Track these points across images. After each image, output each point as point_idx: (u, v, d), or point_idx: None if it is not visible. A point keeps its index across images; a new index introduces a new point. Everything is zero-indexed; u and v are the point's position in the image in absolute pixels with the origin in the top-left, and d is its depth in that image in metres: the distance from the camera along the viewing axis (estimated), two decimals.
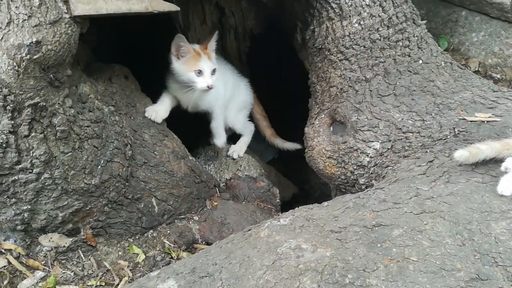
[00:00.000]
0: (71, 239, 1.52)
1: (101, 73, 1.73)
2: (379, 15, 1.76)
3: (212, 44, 1.83)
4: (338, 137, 1.65)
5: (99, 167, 1.51)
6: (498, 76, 2.56)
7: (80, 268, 1.49)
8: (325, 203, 1.30)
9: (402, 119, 1.56)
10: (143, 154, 1.72)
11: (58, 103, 1.36)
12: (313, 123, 1.79)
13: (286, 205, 2.15)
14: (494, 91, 1.62)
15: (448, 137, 1.41)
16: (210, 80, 1.77)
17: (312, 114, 1.85)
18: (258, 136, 2.51)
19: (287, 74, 2.47)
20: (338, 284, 0.91)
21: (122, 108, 1.71)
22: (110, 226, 1.61)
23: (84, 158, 1.46)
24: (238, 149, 2.25)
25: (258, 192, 1.97)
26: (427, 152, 1.40)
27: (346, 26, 1.73)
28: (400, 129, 1.54)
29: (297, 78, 2.23)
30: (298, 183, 2.87)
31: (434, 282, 0.96)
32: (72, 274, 1.46)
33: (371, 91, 1.68)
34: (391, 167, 1.45)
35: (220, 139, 2.14)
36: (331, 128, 1.75)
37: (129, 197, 1.63)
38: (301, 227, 1.08)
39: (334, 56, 1.78)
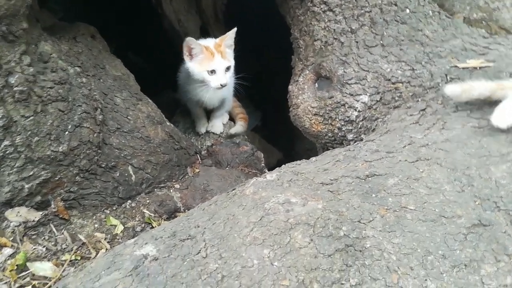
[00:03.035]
0: (41, 213, 1.40)
1: (65, 32, 1.58)
2: None
3: (228, 40, 1.80)
4: (324, 93, 1.56)
5: (67, 132, 1.38)
6: (483, 30, 2.49)
7: (52, 243, 1.38)
8: (313, 158, 1.21)
9: (391, 69, 1.47)
10: (115, 119, 1.59)
11: (14, 61, 1.22)
12: (297, 81, 1.69)
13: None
14: (485, 38, 1.55)
15: (440, 85, 1.33)
16: (224, 78, 1.77)
17: (296, 71, 1.74)
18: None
19: (268, 33, 2.34)
20: (332, 237, 0.83)
21: (90, 69, 1.57)
22: (84, 198, 1.50)
23: (49, 123, 1.33)
24: (219, 124, 2.17)
25: (241, 157, 1.87)
26: (418, 101, 1.32)
27: None
28: (389, 80, 1.45)
29: (279, 36, 2.12)
30: (283, 149, 2.80)
31: (434, 230, 0.89)
32: (44, 249, 1.35)
33: (357, 42, 1.58)
34: (381, 119, 1.37)
35: (220, 127, 2.16)
36: (316, 84, 1.65)
37: (103, 165, 1.52)
38: (289, 181, 0.99)
39: (317, 7, 1.66)
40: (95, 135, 1.47)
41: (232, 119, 2.31)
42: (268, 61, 2.56)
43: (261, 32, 2.34)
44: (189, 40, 1.74)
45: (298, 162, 1.20)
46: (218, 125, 2.15)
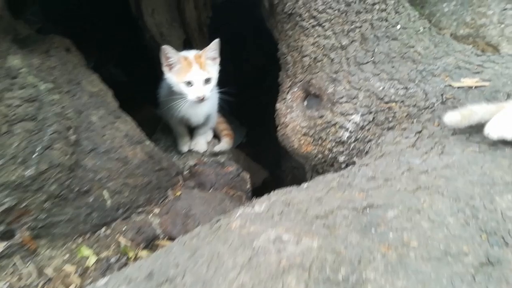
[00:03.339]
0: (4, 244, 1.27)
1: (37, 45, 1.47)
2: None
3: (210, 52, 1.69)
4: (313, 112, 1.48)
5: (35, 155, 1.26)
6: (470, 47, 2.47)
7: (16, 278, 1.25)
8: (305, 185, 1.12)
9: (383, 88, 1.41)
10: (90, 139, 1.48)
11: None
12: (285, 98, 1.61)
13: (257, 191, 1.97)
14: (478, 55, 1.50)
15: (435, 105, 1.27)
16: (201, 91, 1.66)
17: (284, 88, 1.66)
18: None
19: (253, 47, 2.28)
20: (330, 281, 0.74)
21: (63, 85, 1.45)
22: (53, 226, 1.37)
23: (15, 145, 1.21)
24: (202, 142, 2.06)
25: (226, 178, 1.77)
26: (413, 122, 1.25)
27: None
28: (381, 99, 1.38)
29: (264, 50, 2.05)
30: (268, 167, 2.70)
31: (439, 270, 0.81)
32: (6, 286, 1.22)
33: (348, 59, 1.52)
34: (374, 141, 1.29)
35: (204, 145, 2.05)
36: (305, 102, 1.57)
37: (75, 190, 1.39)
38: (280, 214, 0.90)
39: (306, 22, 1.60)
40: (67, 157, 1.35)
41: (216, 135, 2.21)
42: (254, 76, 2.48)
43: (246, 45, 2.27)
44: (165, 49, 1.64)
45: (289, 189, 1.11)
46: (201, 143, 2.05)
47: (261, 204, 0.95)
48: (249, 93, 2.75)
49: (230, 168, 1.78)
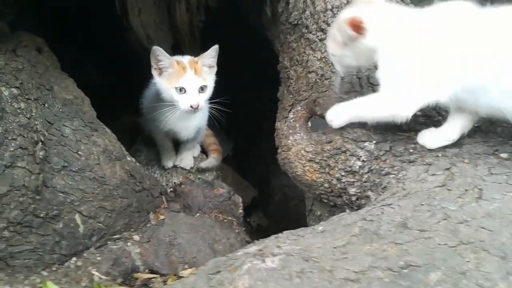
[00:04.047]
0: None
1: (1, 42, 1.25)
2: None
3: (207, 59, 1.52)
4: (321, 135, 1.32)
5: None
6: None
7: None
8: (319, 228, 0.95)
9: None
10: (62, 155, 1.27)
11: None
12: (286, 117, 1.44)
13: (245, 211, 1.80)
14: None
15: (464, 137, 1.13)
16: (195, 100, 1.48)
17: (285, 105, 1.50)
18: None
19: (249, 56, 2.11)
20: None
21: (32, 91, 1.24)
22: (13, 257, 1.15)
23: None
24: (189, 158, 1.88)
25: (216, 201, 1.59)
26: (438, 156, 1.11)
27: None
28: (399, 126, 1.23)
29: (263, 60, 1.88)
30: (257, 182, 2.53)
31: None
32: None
33: (359, 78, 1.37)
34: (394, 175, 1.14)
35: (190, 161, 1.88)
36: (309, 123, 1.41)
37: (41, 215, 1.18)
38: (300, 273, 0.73)
39: (313, 34, 1.44)
40: (32, 177, 1.14)
41: (203, 150, 2.02)
42: (245, 86, 2.31)
43: (242, 54, 2.10)
44: (156, 50, 1.46)
45: (301, 232, 0.94)
46: (188, 158, 1.86)
47: (272, 258, 0.78)
48: (238, 104, 2.58)
49: (220, 190, 1.60)
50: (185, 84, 1.49)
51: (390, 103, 1.12)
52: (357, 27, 1.10)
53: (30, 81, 1.23)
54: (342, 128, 1.29)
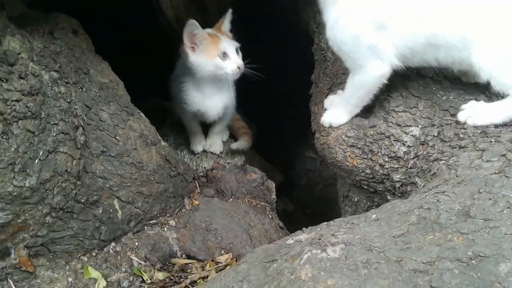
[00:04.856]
0: None
1: (38, 24, 1.22)
2: None
3: (226, 24, 1.57)
4: (363, 120, 1.28)
5: (37, 161, 1.03)
6: None
7: None
8: (372, 215, 0.93)
9: (448, 98, 1.21)
10: (100, 139, 1.25)
11: None
12: (325, 101, 1.40)
13: None
14: None
15: None
16: (239, 60, 1.50)
17: (323, 88, 1.46)
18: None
19: (277, 39, 2.06)
20: None
21: (70, 75, 1.22)
22: (55, 242, 1.15)
23: (13, 149, 0.98)
24: (219, 142, 1.86)
25: (249, 187, 1.57)
26: (492, 142, 1.07)
27: None
28: (446, 110, 1.19)
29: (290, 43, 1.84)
30: (281, 168, 2.50)
31: None
32: None
33: None
34: (444, 161, 1.10)
35: (220, 145, 1.85)
36: None
37: (82, 200, 1.17)
38: (365, 263, 0.70)
39: None
40: (74, 162, 1.13)
41: (232, 135, 1.99)
42: (271, 70, 2.26)
43: (270, 37, 2.06)
44: (192, 24, 1.47)
45: (354, 219, 0.91)
46: (218, 143, 1.83)
47: (333, 247, 0.75)
48: (262, 87, 2.54)
49: (253, 175, 1.58)
50: (226, 48, 1.50)
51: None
52: None
53: (68, 64, 1.21)
54: (386, 112, 1.25)
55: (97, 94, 1.29)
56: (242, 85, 1.66)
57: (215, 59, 1.48)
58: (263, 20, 2.19)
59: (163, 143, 1.46)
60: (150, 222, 1.36)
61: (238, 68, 1.49)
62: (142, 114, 1.44)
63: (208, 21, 1.80)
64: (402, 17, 1.10)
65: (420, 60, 1.16)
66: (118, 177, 1.27)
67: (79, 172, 1.15)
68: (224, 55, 1.49)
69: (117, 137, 1.29)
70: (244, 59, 1.55)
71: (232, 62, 1.49)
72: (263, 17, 2.18)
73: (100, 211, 1.23)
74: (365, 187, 1.33)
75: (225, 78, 1.52)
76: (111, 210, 1.25)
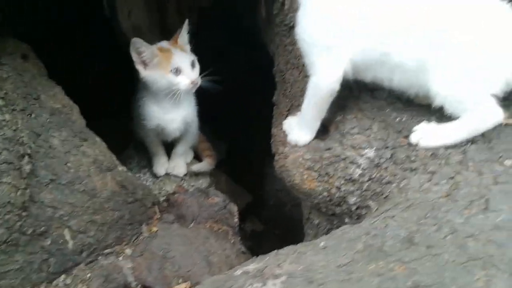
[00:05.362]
0: None
1: None
2: None
3: (183, 36, 1.52)
4: (319, 143, 1.28)
5: None
6: None
7: None
8: (321, 243, 0.91)
9: (401, 119, 1.22)
10: (50, 167, 1.21)
11: None
12: (284, 122, 1.40)
13: (239, 216, 1.76)
14: None
15: (467, 144, 1.09)
16: (193, 75, 1.47)
17: (282, 110, 1.46)
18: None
19: (242, 57, 2.06)
20: None
21: (18, 101, 1.18)
22: None
23: None
24: (182, 164, 1.81)
25: (211, 211, 1.54)
26: (441, 164, 1.07)
27: None
28: (400, 132, 1.20)
29: (256, 62, 1.84)
30: (250, 186, 2.48)
31: None
32: None
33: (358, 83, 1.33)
34: (395, 184, 1.10)
35: (183, 167, 1.80)
36: None
37: (29, 232, 1.13)
38: None
39: None
40: (18, 192, 1.08)
41: (196, 156, 1.97)
42: (238, 88, 2.26)
43: (235, 55, 2.06)
44: (136, 42, 1.42)
45: (302, 248, 0.90)
46: (181, 165, 1.80)
47: (275, 280, 0.74)
48: (232, 106, 2.54)
49: (215, 199, 1.56)
50: (179, 63, 1.46)
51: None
52: None
53: (15, 90, 1.18)
54: (342, 135, 1.25)
55: (48, 120, 1.25)
56: (211, 100, 1.64)
57: (167, 74, 1.45)
58: (240, 34, 2.18)
59: (120, 168, 1.43)
60: (104, 251, 1.31)
61: (192, 82, 1.46)
62: (98, 139, 1.41)
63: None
64: (360, 26, 1.09)
65: (372, 77, 1.17)
66: (69, 206, 1.22)
67: (25, 202, 1.11)
68: (177, 70, 1.46)
69: (68, 164, 1.25)
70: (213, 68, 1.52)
71: (185, 77, 1.46)
72: (242, 30, 2.16)
73: (49, 242, 1.18)
74: (324, 209, 1.32)
75: (180, 93, 1.49)
76: (61, 241, 1.21)
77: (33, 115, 1.22)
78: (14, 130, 1.11)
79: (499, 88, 1.04)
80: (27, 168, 1.12)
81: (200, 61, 1.55)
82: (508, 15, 1.03)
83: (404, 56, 1.08)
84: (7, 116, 1.11)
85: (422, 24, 1.06)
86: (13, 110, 1.14)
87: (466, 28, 1.04)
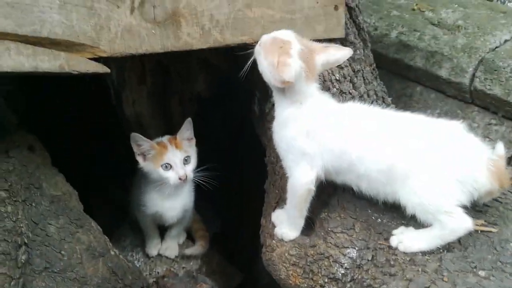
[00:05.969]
0: None
1: None
2: (349, 92, 1.54)
3: (184, 132, 1.61)
4: (305, 239, 1.33)
5: None
6: None
7: None
8: None
9: (382, 221, 1.29)
10: (44, 255, 1.26)
11: None
12: (272, 214, 1.46)
13: None
14: None
15: (443, 252, 1.15)
16: (182, 171, 1.55)
17: (271, 201, 1.52)
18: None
19: (239, 143, 2.17)
20: None
21: (20, 192, 1.26)
22: None
23: None
24: (174, 246, 1.87)
25: None
26: (418, 271, 1.12)
27: None
28: (380, 233, 1.25)
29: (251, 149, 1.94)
30: (244, 263, 2.47)
31: None
32: None
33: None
34: None
35: (175, 249, 1.86)
36: None
37: None
38: None
39: None
40: (12, 283, 1.12)
41: (189, 236, 2.00)
42: (234, 170, 2.35)
43: (232, 141, 2.17)
44: (134, 136, 1.53)
45: None
46: (173, 247, 1.84)
47: None
48: (227, 185, 2.60)
49: (204, 286, 1.58)
50: (170, 160, 1.54)
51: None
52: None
53: (19, 182, 1.26)
54: (326, 232, 1.31)
55: (47, 208, 1.32)
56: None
57: (158, 168, 1.54)
58: (228, 125, 2.31)
59: (112, 252, 1.47)
60: None
61: (180, 178, 1.54)
62: (94, 224, 1.46)
63: (172, 127, 1.91)
64: (328, 135, 1.20)
65: (342, 182, 1.25)
66: None
67: None
68: (167, 166, 1.54)
69: (62, 252, 1.30)
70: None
71: (174, 173, 1.54)
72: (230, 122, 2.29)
73: None
74: None
75: (171, 186, 1.57)
76: None
77: (33, 204, 1.29)
78: (14, 221, 1.18)
79: (464, 199, 1.11)
80: (23, 258, 1.17)
81: (202, 152, 1.65)
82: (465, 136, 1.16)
83: (369, 166, 1.17)
84: (9, 208, 1.18)
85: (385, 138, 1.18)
86: (15, 201, 1.22)
87: (427, 147, 1.14)
